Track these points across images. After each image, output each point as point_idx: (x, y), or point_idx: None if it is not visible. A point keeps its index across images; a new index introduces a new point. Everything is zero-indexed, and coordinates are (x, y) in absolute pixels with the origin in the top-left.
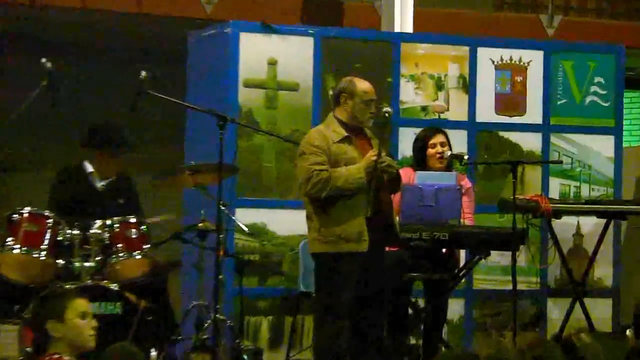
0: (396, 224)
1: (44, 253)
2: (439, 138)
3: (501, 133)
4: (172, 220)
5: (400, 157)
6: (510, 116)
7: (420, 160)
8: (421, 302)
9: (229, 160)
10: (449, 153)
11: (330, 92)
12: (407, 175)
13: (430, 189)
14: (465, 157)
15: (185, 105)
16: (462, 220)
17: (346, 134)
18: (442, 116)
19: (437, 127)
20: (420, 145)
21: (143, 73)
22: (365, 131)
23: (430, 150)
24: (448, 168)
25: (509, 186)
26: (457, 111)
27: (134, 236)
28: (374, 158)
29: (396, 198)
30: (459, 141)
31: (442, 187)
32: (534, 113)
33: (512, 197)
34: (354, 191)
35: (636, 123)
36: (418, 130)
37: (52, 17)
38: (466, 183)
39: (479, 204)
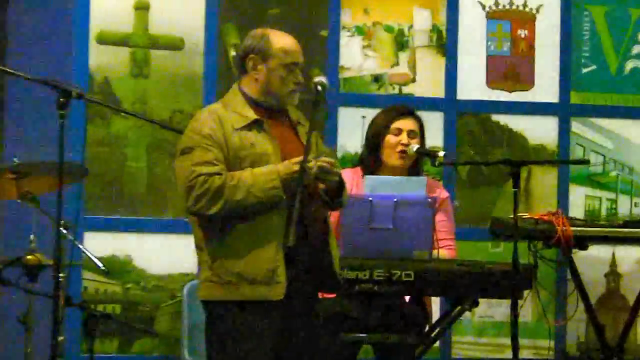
0: (335, 258)
1: None
2: (407, 123)
3: (496, 117)
4: None
5: (341, 153)
6: (510, 91)
7: (373, 157)
8: None
9: (74, 158)
10: (415, 147)
11: (233, 53)
12: (352, 180)
13: (387, 203)
14: (441, 153)
15: (6, 71)
16: (435, 250)
17: (256, 117)
18: (406, 90)
19: (408, 107)
20: (376, 132)
21: None
22: (288, 112)
23: (390, 138)
24: (414, 170)
25: (508, 199)
26: (429, 83)
27: None
28: (298, 159)
29: (334, 217)
30: (432, 129)
31: (405, 200)
32: (545, 86)
33: (512, 217)
34: (264, 207)
35: None
36: (367, 111)
37: None
38: (442, 193)
39: (462, 225)
